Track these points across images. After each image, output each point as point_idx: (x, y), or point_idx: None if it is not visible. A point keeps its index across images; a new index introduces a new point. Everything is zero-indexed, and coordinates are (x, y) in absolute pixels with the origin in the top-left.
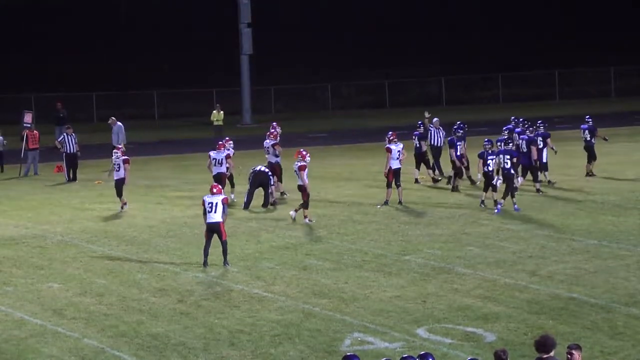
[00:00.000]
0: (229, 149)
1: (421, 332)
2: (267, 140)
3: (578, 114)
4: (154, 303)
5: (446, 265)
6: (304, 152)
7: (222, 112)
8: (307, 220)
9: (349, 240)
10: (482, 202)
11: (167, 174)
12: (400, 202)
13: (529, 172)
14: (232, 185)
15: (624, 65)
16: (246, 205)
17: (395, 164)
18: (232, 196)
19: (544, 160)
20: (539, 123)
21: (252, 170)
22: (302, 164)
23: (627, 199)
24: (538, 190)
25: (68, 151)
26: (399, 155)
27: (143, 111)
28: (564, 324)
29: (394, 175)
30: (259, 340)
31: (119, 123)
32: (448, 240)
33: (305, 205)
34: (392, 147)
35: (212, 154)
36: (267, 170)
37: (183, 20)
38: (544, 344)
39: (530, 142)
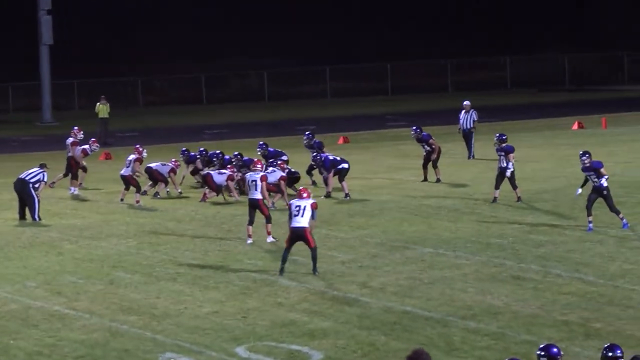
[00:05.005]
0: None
1: (241, 351)
2: (132, 156)
3: (411, 110)
4: None
5: (269, 277)
6: (140, 148)
7: (107, 104)
8: (138, 203)
9: (161, 250)
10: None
11: None
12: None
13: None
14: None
15: (461, 57)
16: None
17: None
18: (73, 189)
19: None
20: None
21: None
22: (138, 156)
23: (464, 203)
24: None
25: None
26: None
27: None
28: (396, 340)
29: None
30: None
31: None
32: (271, 249)
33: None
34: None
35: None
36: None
37: None
38: (417, 359)
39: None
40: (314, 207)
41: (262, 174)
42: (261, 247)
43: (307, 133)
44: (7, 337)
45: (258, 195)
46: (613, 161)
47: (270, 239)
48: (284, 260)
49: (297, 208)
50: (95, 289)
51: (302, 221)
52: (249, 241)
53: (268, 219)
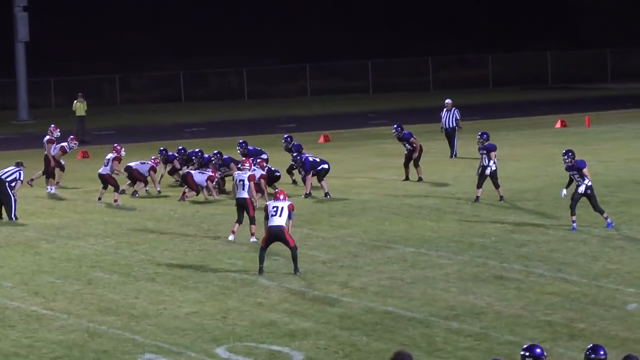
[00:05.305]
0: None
1: (221, 351)
2: (110, 155)
3: (393, 108)
4: None
5: (249, 277)
6: (119, 147)
7: (84, 102)
8: (116, 203)
9: (140, 250)
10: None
11: None
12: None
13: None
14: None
15: (443, 55)
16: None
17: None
18: (50, 188)
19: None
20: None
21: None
22: (117, 155)
23: (446, 202)
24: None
25: None
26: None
27: None
28: (378, 341)
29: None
30: None
31: None
32: (251, 249)
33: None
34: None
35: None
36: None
37: None
38: None
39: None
40: (290, 208)
41: (249, 173)
42: (241, 247)
43: (285, 136)
44: None
45: (245, 195)
46: (596, 160)
47: (252, 239)
48: (261, 260)
49: (275, 208)
50: (73, 289)
51: (280, 220)
52: (230, 237)
53: (252, 220)
